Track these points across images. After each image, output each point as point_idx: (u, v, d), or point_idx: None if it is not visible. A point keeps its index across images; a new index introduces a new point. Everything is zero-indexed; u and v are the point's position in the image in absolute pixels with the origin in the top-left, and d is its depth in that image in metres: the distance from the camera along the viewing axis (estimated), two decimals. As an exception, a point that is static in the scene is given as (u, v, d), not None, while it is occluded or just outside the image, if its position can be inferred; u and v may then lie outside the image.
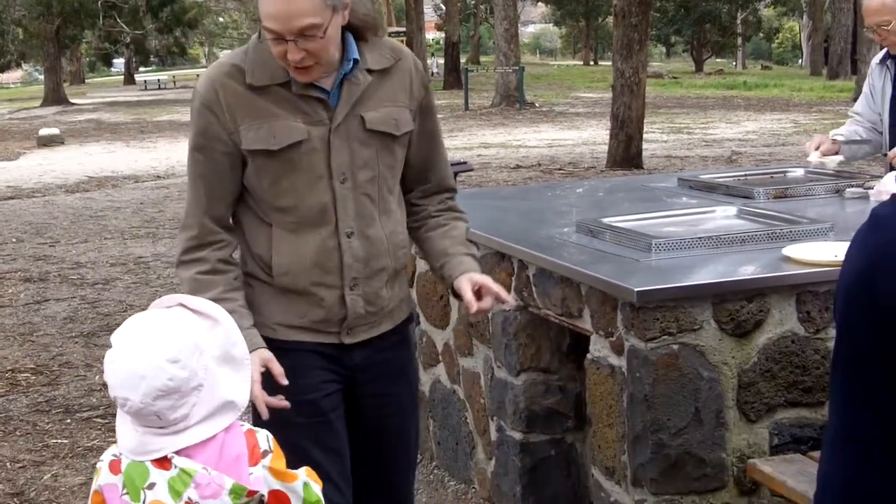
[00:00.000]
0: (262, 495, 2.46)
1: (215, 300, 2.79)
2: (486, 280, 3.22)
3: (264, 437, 2.53)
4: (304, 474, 2.56)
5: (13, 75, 73.98)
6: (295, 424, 3.07)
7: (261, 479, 2.44)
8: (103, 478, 2.50)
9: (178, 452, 2.42)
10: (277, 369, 3.02)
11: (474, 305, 3.15)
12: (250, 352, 2.75)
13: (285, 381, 3.00)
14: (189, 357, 2.40)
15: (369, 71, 3.09)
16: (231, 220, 3.17)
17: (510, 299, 3.43)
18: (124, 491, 2.45)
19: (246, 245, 3.17)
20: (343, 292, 3.11)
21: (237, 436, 2.47)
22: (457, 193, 3.46)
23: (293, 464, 2.59)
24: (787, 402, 3.85)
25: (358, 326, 3.19)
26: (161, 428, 2.42)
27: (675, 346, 3.70)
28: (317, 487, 2.57)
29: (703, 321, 3.72)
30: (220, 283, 3.05)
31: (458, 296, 3.23)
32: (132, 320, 2.49)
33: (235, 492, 2.38)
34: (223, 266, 3.11)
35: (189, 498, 2.38)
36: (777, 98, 35.58)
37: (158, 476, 2.42)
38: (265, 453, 2.49)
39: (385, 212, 3.18)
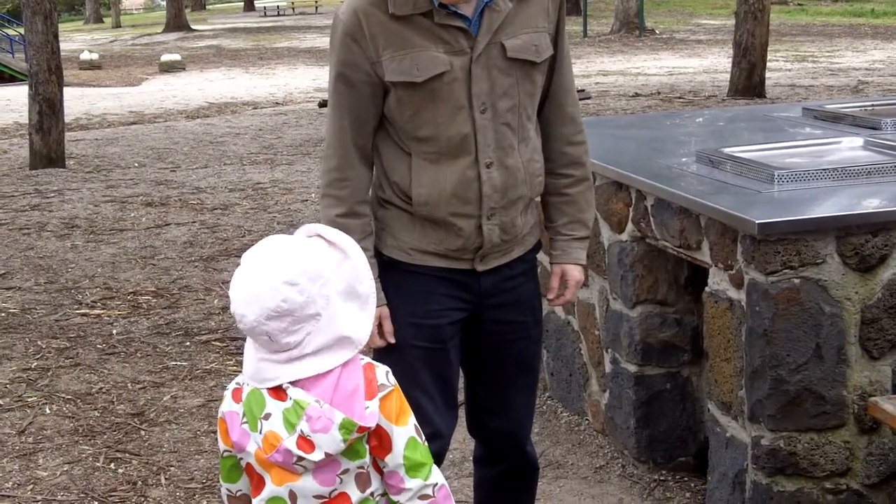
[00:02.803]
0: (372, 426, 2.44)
1: None
2: (575, 280, 3.38)
3: (383, 372, 2.50)
4: (413, 427, 2.51)
5: (136, 1, 74.96)
6: (412, 346, 3.14)
7: (375, 413, 2.42)
8: (226, 405, 2.53)
9: (293, 384, 2.43)
10: (389, 328, 3.12)
11: (552, 296, 3.39)
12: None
13: (392, 340, 3.13)
14: (309, 283, 2.39)
15: None
16: (370, 150, 3.15)
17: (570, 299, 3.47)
18: (244, 420, 2.47)
19: (383, 172, 3.14)
20: (480, 222, 3.10)
21: (355, 369, 2.45)
22: (582, 128, 3.36)
23: (402, 385, 2.57)
24: (912, 339, 3.75)
25: (491, 254, 3.17)
26: (276, 353, 2.43)
27: (797, 281, 3.62)
28: (422, 444, 2.52)
29: (825, 255, 3.63)
30: (356, 230, 2.99)
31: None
32: (265, 241, 2.49)
33: (345, 427, 2.37)
34: (360, 209, 3.11)
35: (301, 431, 2.39)
36: (906, 26, 34.55)
37: (274, 407, 2.43)
38: (382, 387, 2.46)
39: (523, 140, 3.13)
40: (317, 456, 2.39)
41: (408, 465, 2.46)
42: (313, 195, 10.79)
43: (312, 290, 2.40)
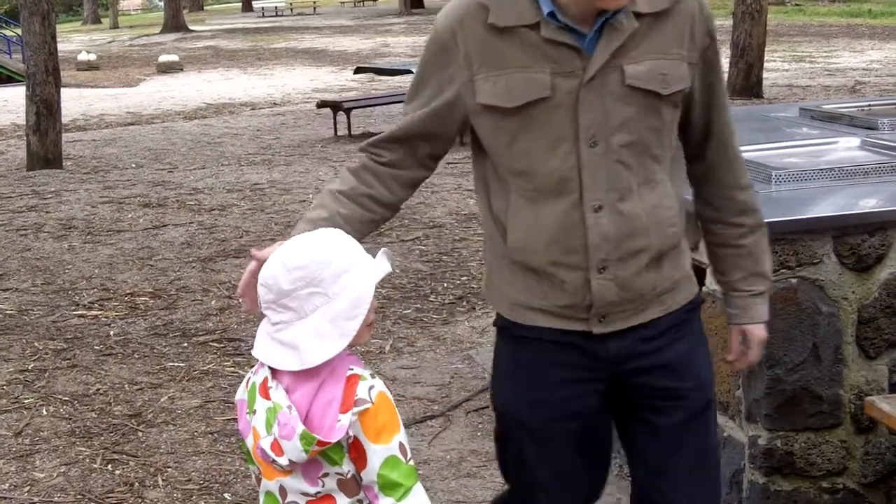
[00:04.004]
0: (349, 437, 2.42)
1: (337, 191, 2.70)
2: (759, 339, 2.90)
3: (366, 388, 2.42)
4: (397, 446, 2.41)
5: (134, 2, 74.99)
6: (525, 428, 2.74)
7: (344, 427, 2.37)
8: (240, 391, 2.58)
9: (279, 382, 2.43)
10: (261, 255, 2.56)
11: (733, 357, 2.95)
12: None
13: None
14: (300, 281, 2.41)
15: (638, 15, 2.54)
16: (432, 161, 2.77)
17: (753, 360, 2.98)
18: (247, 409, 2.51)
19: (487, 202, 2.73)
20: (588, 275, 2.61)
21: (338, 380, 2.42)
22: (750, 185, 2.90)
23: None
24: (909, 339, 3.75)
25: (612, 314, 2.66)
26: (270, 325, 2.46)
27: (794, 280, 3.62)
28: (406, 465, 2.42)
29: (822, 255, 3.63)
30: (344, 202, 2.69)
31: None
32: (322, 231, 2.53)
33: (305, 438, 2.36)
34: (363, 198, 2.72)
35: (275, 433, 2.40)
36: (904, 26, 34.57)
37: (260, 404, 2.45)
38: (360, 402, 2.39)
39: (646, 182, 2.62)
40: (283, 461, 2.40)
41: (381, 482, 2.41)
42: (311, 196, 10.79)
43: (298, 289, 2.41)
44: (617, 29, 2.53)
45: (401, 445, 2.42)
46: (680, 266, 2.75)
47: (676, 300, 2.74)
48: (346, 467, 2.44)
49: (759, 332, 2.89)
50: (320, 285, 2.41)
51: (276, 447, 2.40)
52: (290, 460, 2.40)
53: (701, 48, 2.65)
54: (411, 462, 2.44)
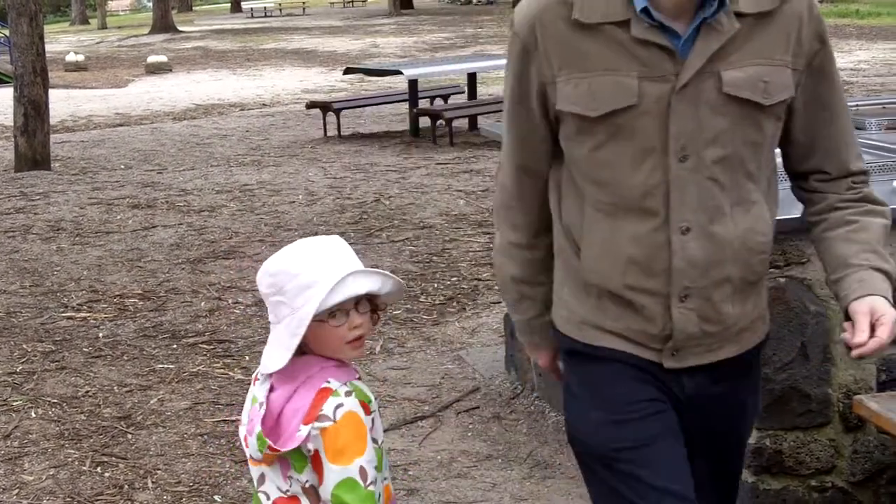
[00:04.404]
0: (309, 450, 2.41)
1: (521, 280, 2.63)
2: (892, 316, 2.32)
3: (332, 405, 2.37)
4: (357, 469, 2.35)
5: (123, 2, 74.87)
6: (617, 452, 2.44)
7: (301, 438, 2.36)
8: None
9: (267, 376, 2.46)
10: (544, 361, 2.74)
11: (854, 344, 2.31)
12: (530, 348, 2.74)
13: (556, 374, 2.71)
14: (270, 287, 2.43)
15: (739, 15, 2.31)
16: (545, 180, 2.54)
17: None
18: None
19: (558, 211, 2.52)
20: (669, 303, 2.38)
21: (310, 389, 2.41)
22: (869, 177, 2.59)
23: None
24: (897, 338, 3.76)
25: (687, 348, 2.44)
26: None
27: (782, 280, 3.63)
28: (364, 490, 2.36)
29: (810, 254, 3.64)
30: (536, 263, 2.60)
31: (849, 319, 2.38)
32: (321, 238, 2.53)
33: (260, 440, 2.39)
34: (538, 241, 2.58)
35: (245, 424, 2.48)
36: (891, 26, 34.59)
37: (250, 392, 2.51)
38: (322, 418, 2.36)
39: (741, 203, 2.38)
40: (249, 452, 2.45)
41: (334, 502, 2.38)
42: (300, 197, 10.79)
43: (271, 295, 2.43)
44: (716, 30, 2.29)
45: (361, 469, 2.37)
46: (760, 302, 2.54)
47: (751, 340, 2.53)
48: (306, 477, 2.43)
49: (889, 308, 2.33)
50: (285, 296, 2.41)
51: (246, 438, 2.46)
52: (250, 455, 2.45)
53: (808, 54, 2.40)
54: (371, 487, 2.37)
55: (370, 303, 2.47)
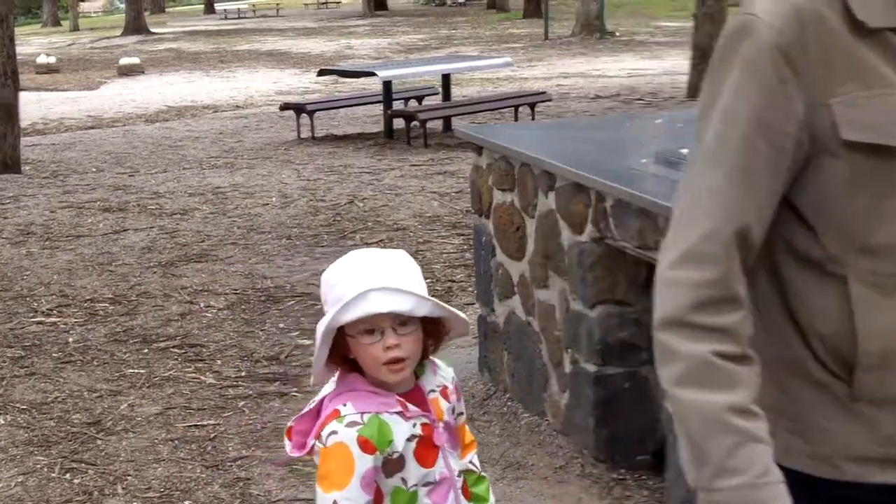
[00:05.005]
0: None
1: (739, 410, 1.68)
2: None
3: (329, 430, 2.33)
4: (331, 502, 2.31)
5: (95, 4, 74.52)
6: None
7: (307, 448, 2.40)
8: None
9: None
10: None
11: None
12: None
13: None
14: (321, 288, 2.42)
15: None
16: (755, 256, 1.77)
17: None
18: None
19: (782, 309, 1.80)
20: None
21: (328, 406, 2.38)
22: None
23: None
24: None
25: None
26: None
27: (756, 281, 3.59)
28: None
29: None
30: (747, 383, 1.70)
31: None
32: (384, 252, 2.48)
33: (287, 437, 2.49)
34: (752, 352, 1.73)
35: None
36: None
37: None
38: (320, 438, 2.34)
39: None
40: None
41: None
42: (274, 199, 10.73)
43: (323, 303, 2.39)
44: None
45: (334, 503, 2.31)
46: None
47: None
48: None
49: None
50: (325, 305, 2.38)
51: None
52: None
53: None
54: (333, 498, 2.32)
55: (426, 328, 2.39)
